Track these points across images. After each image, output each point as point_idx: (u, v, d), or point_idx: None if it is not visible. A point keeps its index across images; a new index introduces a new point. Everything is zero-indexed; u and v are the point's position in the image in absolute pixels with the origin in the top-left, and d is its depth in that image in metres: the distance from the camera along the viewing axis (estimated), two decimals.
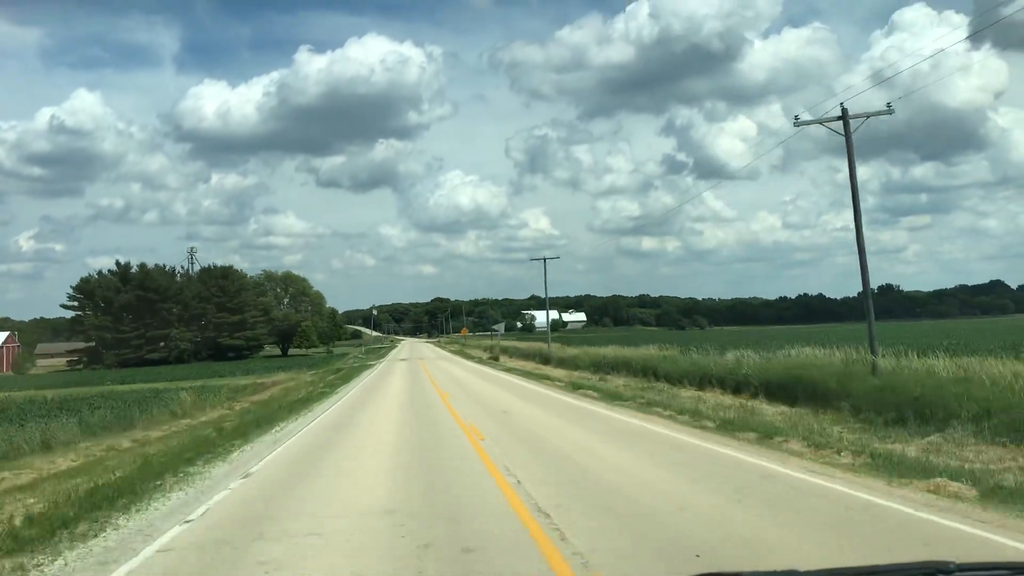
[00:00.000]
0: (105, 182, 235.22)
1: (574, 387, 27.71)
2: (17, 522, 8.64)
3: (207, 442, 15.61)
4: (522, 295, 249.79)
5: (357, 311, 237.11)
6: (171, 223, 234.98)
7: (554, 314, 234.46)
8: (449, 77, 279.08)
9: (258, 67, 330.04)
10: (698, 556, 6.33)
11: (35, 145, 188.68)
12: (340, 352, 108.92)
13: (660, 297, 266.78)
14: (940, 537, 6.86)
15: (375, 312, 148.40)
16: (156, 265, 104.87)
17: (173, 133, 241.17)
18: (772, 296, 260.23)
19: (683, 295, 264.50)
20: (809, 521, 7.55)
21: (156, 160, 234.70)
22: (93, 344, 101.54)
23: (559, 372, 41.95)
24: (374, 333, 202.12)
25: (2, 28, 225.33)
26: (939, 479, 9.41)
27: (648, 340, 59.91)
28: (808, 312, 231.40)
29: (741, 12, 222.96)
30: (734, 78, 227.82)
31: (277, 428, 18.47)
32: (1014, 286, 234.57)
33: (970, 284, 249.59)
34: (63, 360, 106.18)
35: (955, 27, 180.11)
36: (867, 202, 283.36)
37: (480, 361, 57.44)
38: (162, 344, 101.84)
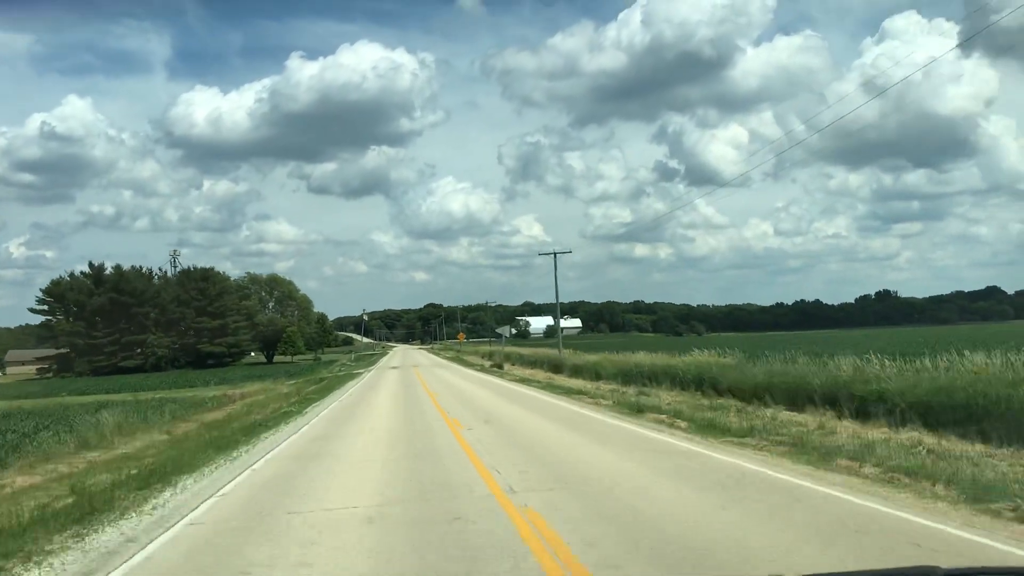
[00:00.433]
0: (96, 188, 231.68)
1: (634, 410, 19.84)
2: None
3: (43, 519, 8.49)
4: (515, 301, 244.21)
5: (349, 318, 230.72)
6: (162, 230, 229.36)
7: (549, 320, 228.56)
8: (441, 84, 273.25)
9: (249, 74, 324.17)
10: None
11: (25, 151, 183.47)
12: (328, 359, 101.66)
13: (654, 303, 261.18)
14: None
15: (365, 317, 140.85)
16: (133, 267, 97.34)
17: (164, 139, 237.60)
18: (764, 303, 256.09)
19: (675, 302, 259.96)
20: None
21: (147, 167, 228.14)
22: (65, 351, 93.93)
23: (581, 383, 34.86)
24: (365, 340, 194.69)
25: None
26: None
27: (652, 346, 53.15)
28: (805, 318, 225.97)
29: (733, 19, 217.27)
30: (726, 85, 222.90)
31: (195, 477, 11.44)
32: (1010, 291, 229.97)
33: (966, 290, 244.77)
34: (34, 368, 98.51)
35: (945, 35, 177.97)
36: (858, 209, 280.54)
37: (482, 369, 50.21)
38: (138, 351, 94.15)
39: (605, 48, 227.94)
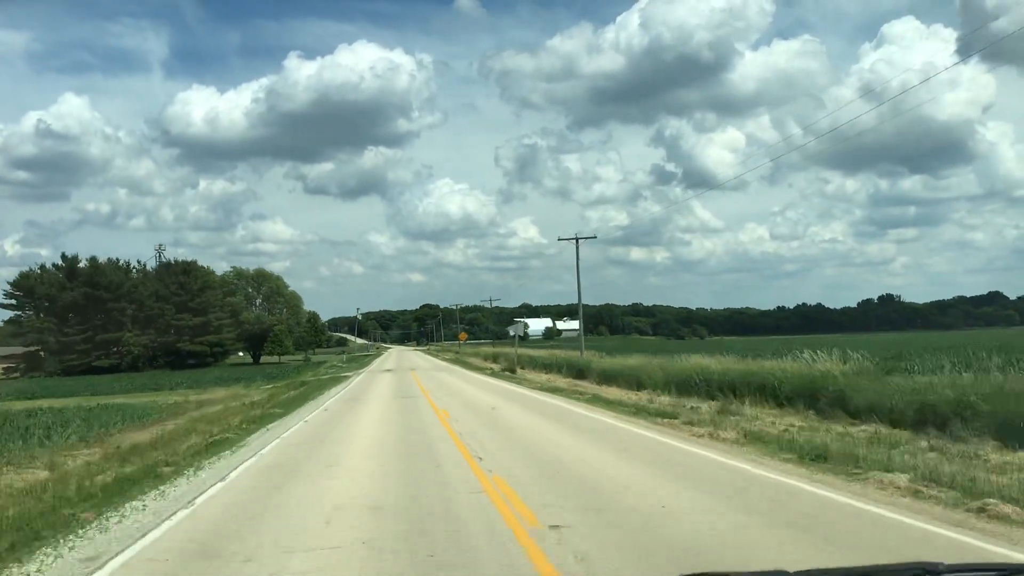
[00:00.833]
0: (92, 187, 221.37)
1: (816, 456, 11.41)
2: None
3: None
4: (512, 303, 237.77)
5: (344, 318, 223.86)
6: (158, 229, 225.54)
7: (547, 322, 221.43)
8: (439, 85, 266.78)
9: (247, 73, 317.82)
10: None
11: (21, 149, 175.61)
12: (319, 360, 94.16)
13: (653, 306, 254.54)
14: None
15: (359, 316, 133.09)
16: (109, 259, 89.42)
17: (161, 138, 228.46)
18: (759, 307, 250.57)
19: (672, 305, 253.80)
20: None
21: (143, 165, 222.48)
22: (34, 349, 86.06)
23: (622, 393, 27.43)
24: (359, 340, 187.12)
25: None
26: None
27: (660, 349, 45.89)
28: (807, 322, 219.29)
29: (731, 23, 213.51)
30: (724, 89, 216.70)
31: None
32: (1012, 297, 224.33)
33: (968, 295, 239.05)
34: (0, 367, 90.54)
35: (944, 41, 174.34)
36: (854, 215, 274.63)
37: (493, 374, 42.52)
38: (114, 349, 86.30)
39: (603, 51, 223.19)
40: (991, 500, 8.29)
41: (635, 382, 29.94)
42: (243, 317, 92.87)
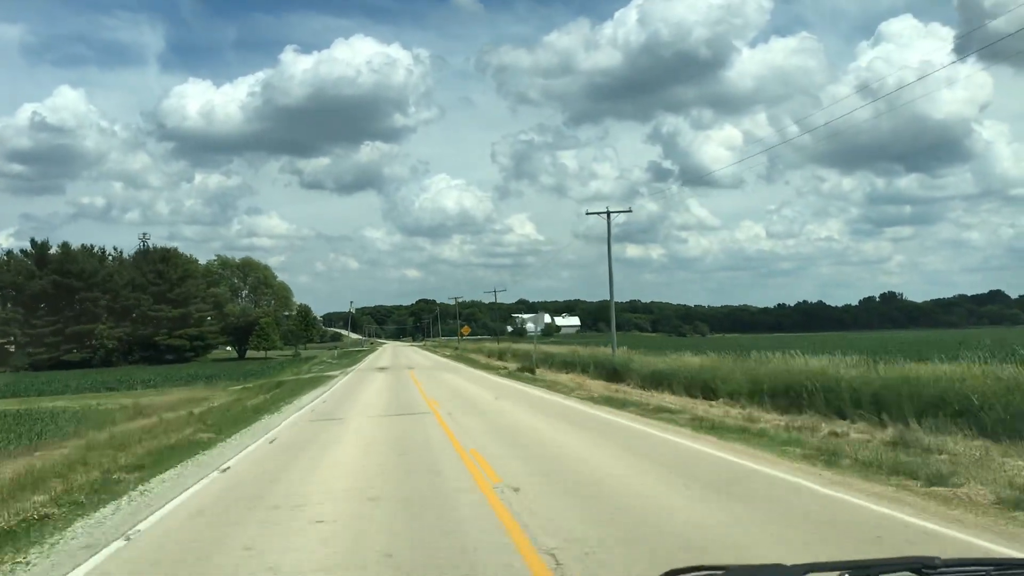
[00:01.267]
0: (87, 180, 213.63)
1: None
2: None
3: None
4: (508, 299, 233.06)
5: (339, 313, 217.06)
6: (153, 222, 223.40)
7: (546, 318, 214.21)
8: (436, 80, 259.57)
9: (243, 67, 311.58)
10: None
11: (16, 141, 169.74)
12: (308, 355, 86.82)
13: (652, 303, 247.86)
14: None
15: (353, 310, 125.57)
16: (83, 246, 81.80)
17: (156, 132, 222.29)
18: (755, 304, 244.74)
19: (669, 302, 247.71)
20: None
21: (139, 159, 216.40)
22: (1, 342, 78.61)
23: (682, 402, 20.41)
24: (353, 335, 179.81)
25: None
26: None
27: (691, 347, 38.80)
28: (808, 319, 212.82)
29: (729, 20, 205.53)
30: (721, 86, 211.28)
31: None
32: (1014, 296, 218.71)
33: (969, 294, 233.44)
34: None
35: (941, 40, 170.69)
36: (850, 213, 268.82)
37: (508, 374, 34.84)
38: (87, 342, 78.77)
39: (601, 47, 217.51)
40: None
41: (699, 387, 22.76)
42: (227, 309, 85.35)
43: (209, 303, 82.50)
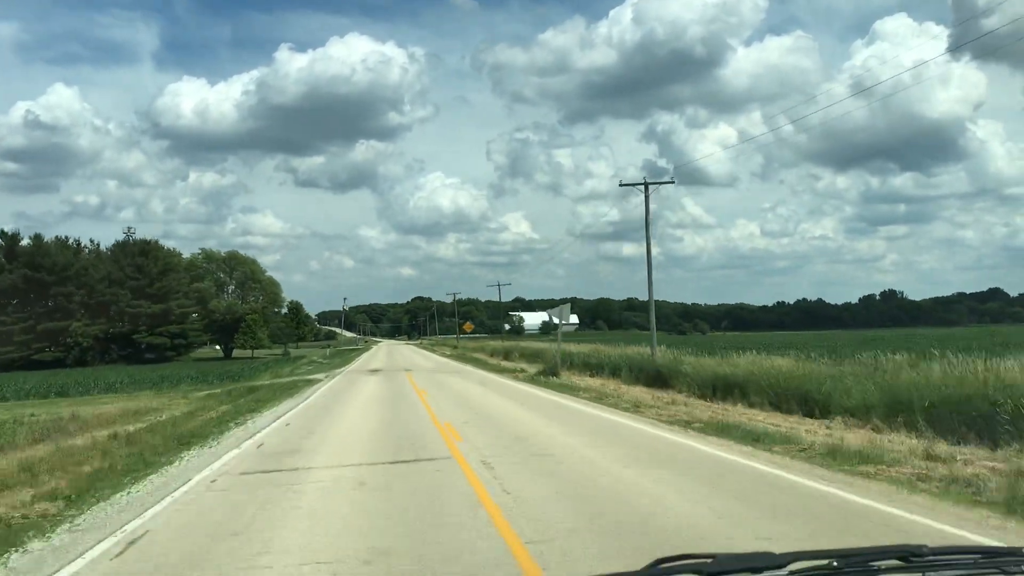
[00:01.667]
0: (81, 178, 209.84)
1: None
2: None
3: None
4: (505, 297, 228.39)
5: (333, 312, 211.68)
6: (148, 221, 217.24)
7: (543, 316, 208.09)
8: (431, 78, 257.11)
9: (238, 65, 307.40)
10: None
11: (10, 140, 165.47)
12: (299, 354, 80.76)
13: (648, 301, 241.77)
14: None
15: (346, 308, 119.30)
16: (56, 237, 75.46)
17: (151, 130, 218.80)
18: (751, 302, 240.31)
19: (666, 300, 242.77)
20: None
21: (133, 157, 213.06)
22: None
23: (774, 419, 14.59)
24: (348, 334, 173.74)
25: None
26: None
27: (698, 346, 33.07)
28: (809, 318, 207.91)
29: (725, 19, 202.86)
30: (716, 84, 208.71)
31: None
32: (1013, 294, 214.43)
33: (967, 292, 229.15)
34: None
35: (935, 38, 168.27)
36: (845, 211, 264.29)
37: (529, 379, 27.98)
38: (63, 340, 72.47)
39: (596, 45, 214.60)
40: None
41: (795, 400, 16.85)
42: (212, 305, 79.07)
43: (192, 299, 76.26)
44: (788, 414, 16.52)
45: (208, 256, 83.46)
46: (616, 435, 12.95)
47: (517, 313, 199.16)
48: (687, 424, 14.16)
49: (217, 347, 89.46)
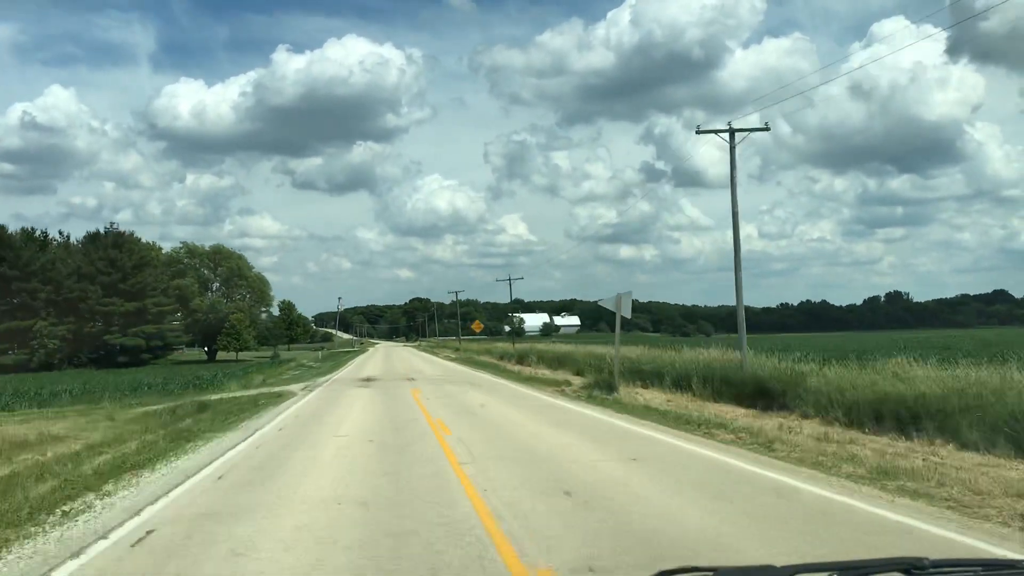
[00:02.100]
0: (78, 180, 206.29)
1: None
2: None
3: None
4: (504, 299, 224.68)
5: (330, 314, 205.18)
6: (145, 223, 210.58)
7: (544, 317, 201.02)
8: (429, 80, 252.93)
9: (235, 67, 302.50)
10: None
11: (6, 141, 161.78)
12: (289, 357, 73.23)
13: (650, 303, 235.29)
14: None
15: (341, 306, 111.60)
16: (23, 229, 67.70)
17: (147, 132, 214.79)
18: (749, 304, 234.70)
19: (663, 302, 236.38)
20: None
21: (130, 159, 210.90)
22: None
23: None
24: (344, 335, 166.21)
25: None
26: None
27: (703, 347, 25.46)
28: (813, 320, 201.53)
29: (723, 21, 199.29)
30: (714, 86, 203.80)
31: None
32: (1018, 295, 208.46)
33: (972, 293, 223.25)
34: None
35: (934, 41, 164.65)
36: (842, 214, 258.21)
37: (586, 396, 19.46)
38: (28, 342, 64.74)
39: (594, 47, 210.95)
40: None
41: None
42: (194, 304, 71.37)
43: (172, 297, 68.52)
44: None
45: (190, 251, 75.59)
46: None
47: (517, 315, 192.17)
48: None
49: (205, 349, 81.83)
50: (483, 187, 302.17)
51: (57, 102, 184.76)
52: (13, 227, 66.04)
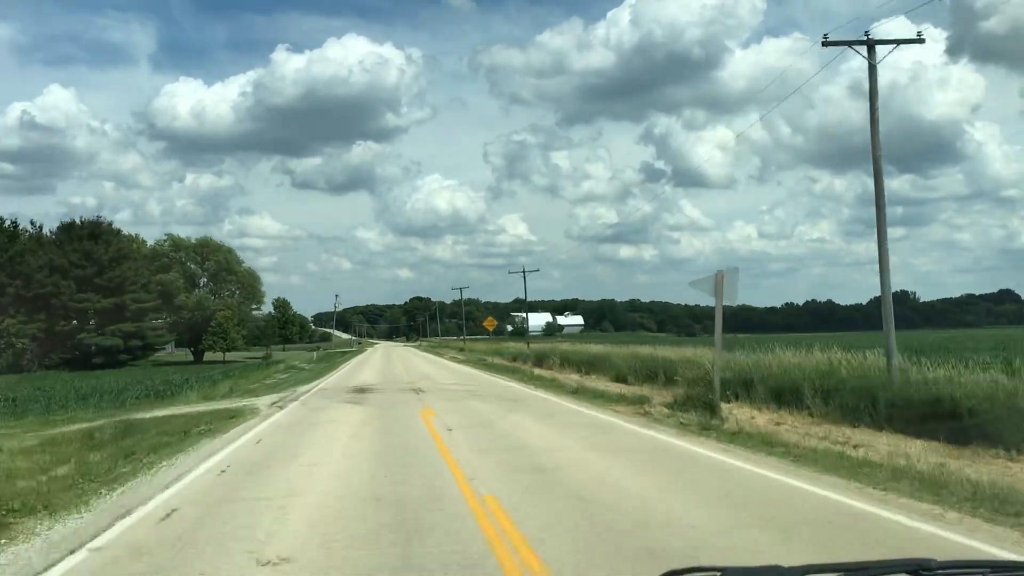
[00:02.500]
0: (77, 180, 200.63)
1: None
2: None
3: None
4: (505, 298, 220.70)
5: (330, 313, 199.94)
6: (144, 223, 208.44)
7: (547, 316, 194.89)
8: (428, 80, 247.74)
9: (234, 67, 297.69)
10: None
11: (6, 141, 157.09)
12: (285, 356, 67.15)
13: (652, 302, 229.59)
14: None
15: (338, 303, 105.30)
16: None
17: (147, 131, 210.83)
18: (750, 303, 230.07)
19: (662, 302, 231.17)
20: None
21: (130, 159, 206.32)
22: None
23: None
24: (343, 335, 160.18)
25: None
26: None
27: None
28: (819, 319, 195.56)
29: (723, 20, 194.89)
30: (714, 86, 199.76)
31: None
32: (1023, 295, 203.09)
33: (976, 293, 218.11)
34: None
35: (934, 41, 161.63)
36: (842, 214, 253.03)
37: (669, 421, 13.29)
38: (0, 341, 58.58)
39: (594, 47, 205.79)
40: None
41: None
42: (179, 301, 65.09)
43: (153, 292, 62.22)
44: None
45: (176, 243, 69.19)
46: None
47: (520, 314, 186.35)
48: None
49: (190, 350, 75.44)
50: (483, 187, 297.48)
51: (56, 102, 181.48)
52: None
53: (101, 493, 7.91)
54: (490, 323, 61.04)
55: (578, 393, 17.84)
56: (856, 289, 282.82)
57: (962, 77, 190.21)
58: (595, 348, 33.00)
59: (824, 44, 14.28)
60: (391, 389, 21.68)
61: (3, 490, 7.88)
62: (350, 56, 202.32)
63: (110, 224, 61.89)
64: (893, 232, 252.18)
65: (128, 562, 5.44)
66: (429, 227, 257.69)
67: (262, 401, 18.33)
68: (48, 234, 61.44)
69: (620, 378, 25.59)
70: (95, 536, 6.17)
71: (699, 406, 13.62)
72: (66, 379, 41.63)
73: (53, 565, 5.45)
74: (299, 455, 10.00)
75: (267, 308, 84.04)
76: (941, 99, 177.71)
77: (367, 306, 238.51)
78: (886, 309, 14.50)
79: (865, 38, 14.19)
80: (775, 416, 14.96)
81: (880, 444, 11.36)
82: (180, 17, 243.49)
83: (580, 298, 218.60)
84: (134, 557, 5.54)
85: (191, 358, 70.16)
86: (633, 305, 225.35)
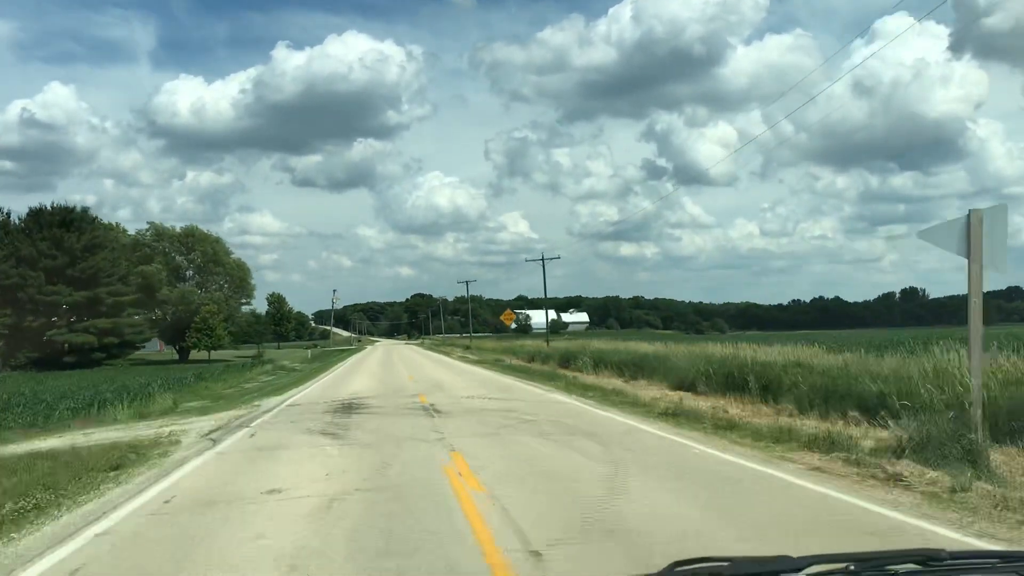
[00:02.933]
0: (77, 177, 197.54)
1: None
2: None
3: None
4: (508, 296, 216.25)
5: (330, 311, 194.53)
6: (144, 220, 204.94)
7: (551, 314, 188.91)
8: (429, 77, 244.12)
9: (234, 64, 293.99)
10: None
11: (5, 138, 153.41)
12: (278, 355, 61.07)
13: (656, 299, 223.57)
14: None
15: (336, 299, 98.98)
16: None
17: (147, 129, 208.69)
18: (753, 301, 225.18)
19: (665, 299, 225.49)
20: None
21: (130, 156, 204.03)
22: None
23: None
24: (343, 332, 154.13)
25: None
26: None
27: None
28: (826, 317, 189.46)
29: (724, 17, 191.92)
30: (715, 83, 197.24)
31: None
32: None
33: (986, 290, 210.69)
34: None
35: (936, 37, 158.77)
36: (844, 211, 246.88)
37: (896, 475, 6.23)
38: None
39: (595, 44, 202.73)
40: None
41: None
42: (162, 294, 58.81)
43: (133, 285, 55.94)
44: None
45: (159, 232, 62.84)
46: None
47: (523, 311, 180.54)
48: None
49: (175, 347, 68.92)
50: (484, 184, 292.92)
51: (57, 99, 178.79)
52: None
53: None
54: (508, 316, 54.99)
55: (678, 417, 11.52)
56: (860, 286, 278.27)
57: (965, 74, 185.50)
58: (643, 347, 26.74)
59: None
60: (391, 406, 15.37)
61: None
62: (350, 53, 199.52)
63: (85, 210, 55.64)
64: (896, 229, 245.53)
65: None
66: (430, 224, 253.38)
67: (199, 426, 12.12)
68: (15, 221, 55.14)
69: (684, 386, 19.38)
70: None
71: (935, 448, 7.41)
72: (20, 381, 35.46)
73: None
74: None
75: (259, 303, 78.07)
76: (943, 96, 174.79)
77: (368, 303, 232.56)
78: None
79: None
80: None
81: None
82: (180, 14, 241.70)
83: (583, 295, 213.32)
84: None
85: (176, 356, 63.90)
86: (637, 302, 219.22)
